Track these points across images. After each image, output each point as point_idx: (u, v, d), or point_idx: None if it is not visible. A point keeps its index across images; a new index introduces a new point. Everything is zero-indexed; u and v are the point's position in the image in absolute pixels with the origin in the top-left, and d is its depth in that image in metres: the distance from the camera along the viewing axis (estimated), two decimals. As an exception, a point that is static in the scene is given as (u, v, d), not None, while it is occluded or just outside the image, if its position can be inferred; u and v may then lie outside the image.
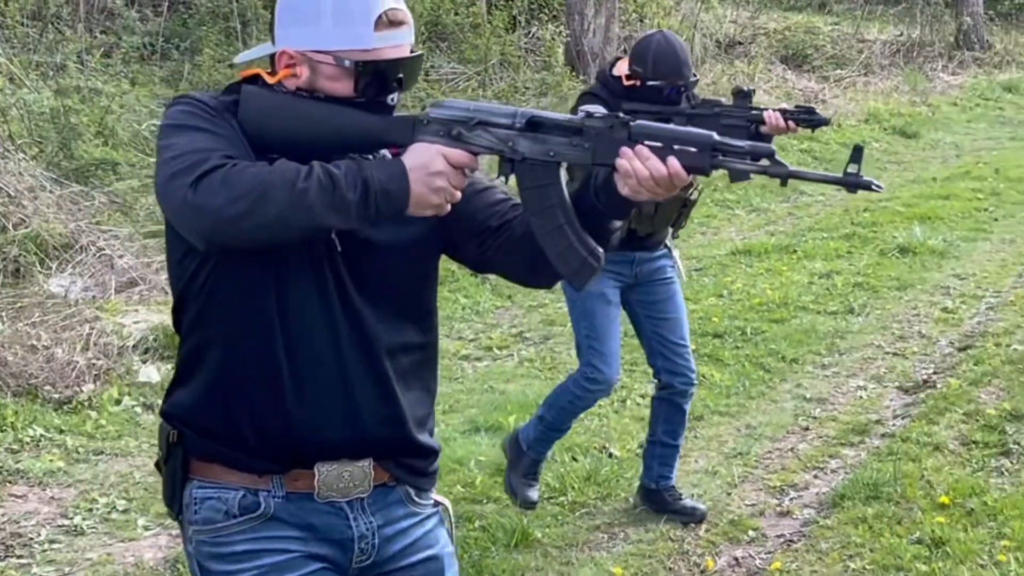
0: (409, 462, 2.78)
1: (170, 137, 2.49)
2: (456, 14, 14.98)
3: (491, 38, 14.00)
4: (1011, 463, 6.04)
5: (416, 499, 2.81)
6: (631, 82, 5.06)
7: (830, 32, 19.34)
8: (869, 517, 5.45)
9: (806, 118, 5.18)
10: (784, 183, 2.54)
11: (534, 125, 2.58)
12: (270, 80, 2.64)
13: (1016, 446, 6.22)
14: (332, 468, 2.67)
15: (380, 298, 2.67)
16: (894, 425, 6.61)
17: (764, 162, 2.51)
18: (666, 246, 5.38)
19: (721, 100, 5.27)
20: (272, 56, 2.66)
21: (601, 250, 2.62)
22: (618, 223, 2.66)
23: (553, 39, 13.93)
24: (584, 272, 2.62)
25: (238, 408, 2.63)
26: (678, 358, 5.38)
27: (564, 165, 2.60)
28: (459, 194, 2.56)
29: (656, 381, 5.49)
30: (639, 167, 2.49)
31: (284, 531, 2.66)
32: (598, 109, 4.75)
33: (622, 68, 5.15)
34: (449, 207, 2.55)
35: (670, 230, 5.35)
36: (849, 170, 2.49)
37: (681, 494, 5.55)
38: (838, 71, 17.67)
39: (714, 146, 2.51)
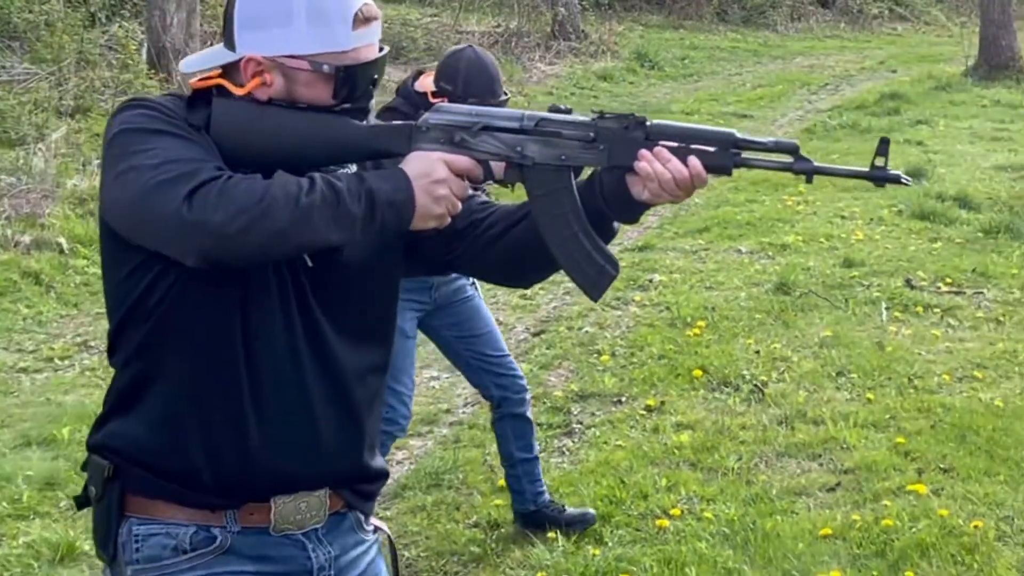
0: (363, 488, 2.68)
1: (142, 143, 2.31)
2: (29, 12, 14.49)
3: (65, 36, 13.60)
4: (573, 442, 6.38)
5: (364, 525, 2.72)
6: (438, 99, 4.80)
7: (427, 24, 19.75)
8: (428, 505, 5.65)
9: None
10: (809, 179, 2.50)
11: (544, 128, 2.51)
12: (238, 92, 2.46)
13: (579, 425, 6.57)
14: (289, 500, 2.55)
15: (346, 318, 2.55)
16: (463, 413, 6.86)
17: (787, 159, 2.49)
18: None
19: None
20: (228, 63, 2.47)
21: (617, 257, 2.57)
22: (619, 226, 2.62)
23: (127, 36, 13.66)
24: (601, 282, 2.55)
25: (193, 444, 2.46)
26: (504, 369, 5.30)
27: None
28: (460, 205, 2.47)
29: (489, 402, 5.40)
30: (660, 169, 2.44)
31: (240, 565, 2.52)
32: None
33: (426, 83, 5.00)
34: (450, 219, 2.47)
35: None
36: (876, 163, 2.47)
37: (563, 506, 5.45)
38: (436, 63, 18.03)
39: (735, 143, 2.47)
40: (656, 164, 2.44)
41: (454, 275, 5.08)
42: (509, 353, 5.37)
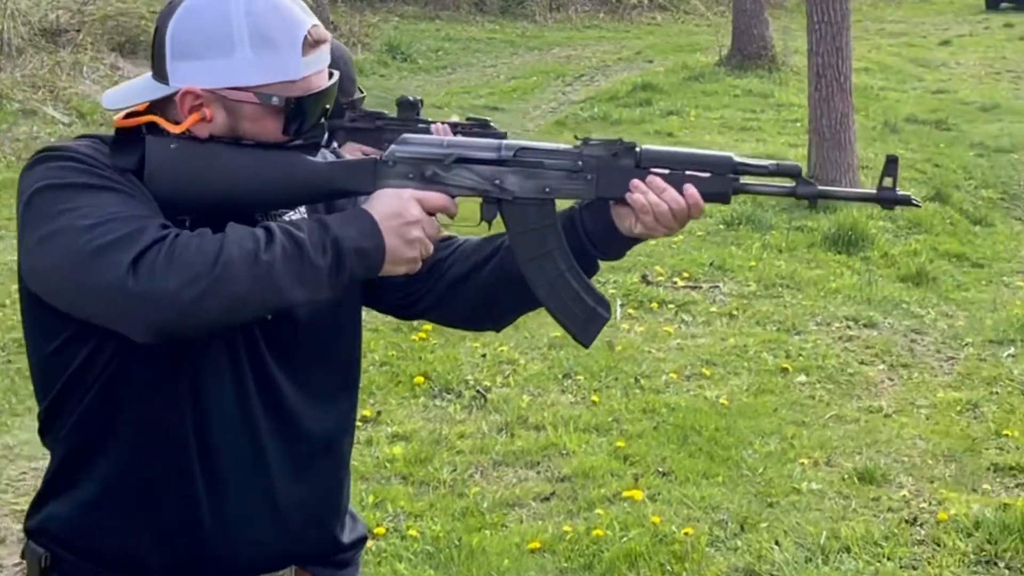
0: (337, 558, 2.48)
1: (69, 201, 2.04)
2: None
3: None
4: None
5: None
6: None
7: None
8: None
9: (479, 132, 4.83)
10: (813, 204, 2.40)
11: (523, 157, 2.31)
12: (174, 129, 2.19)
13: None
14: None
15: (308, 376, 2.34)
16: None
17: (789, 183, 2.35)
18: None
19: (383, 112, 4.80)
20: (160, 97, 2.22)
21: (607, 297, 2.40)
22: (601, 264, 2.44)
23: None
24: (593, 326, 2.39)
25: (139, 526, 2.25)
26: None
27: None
28: (432, 247, 2.26)
29: None
30: (655, 200, 2.28)
31: None
32: None
33: None
34: (421, 264, 2.25)
35: None
36: (884, 184, 2.34)
37: None
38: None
39: (733, 167, 2.32)
40: (651, 195, 2.29)
41: None
42: None
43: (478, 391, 6.81)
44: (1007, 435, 6.40)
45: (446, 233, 2.50)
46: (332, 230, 2.14)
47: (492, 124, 4.85)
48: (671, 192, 2.30)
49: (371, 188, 2.26)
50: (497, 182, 2.32)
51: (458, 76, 19.08)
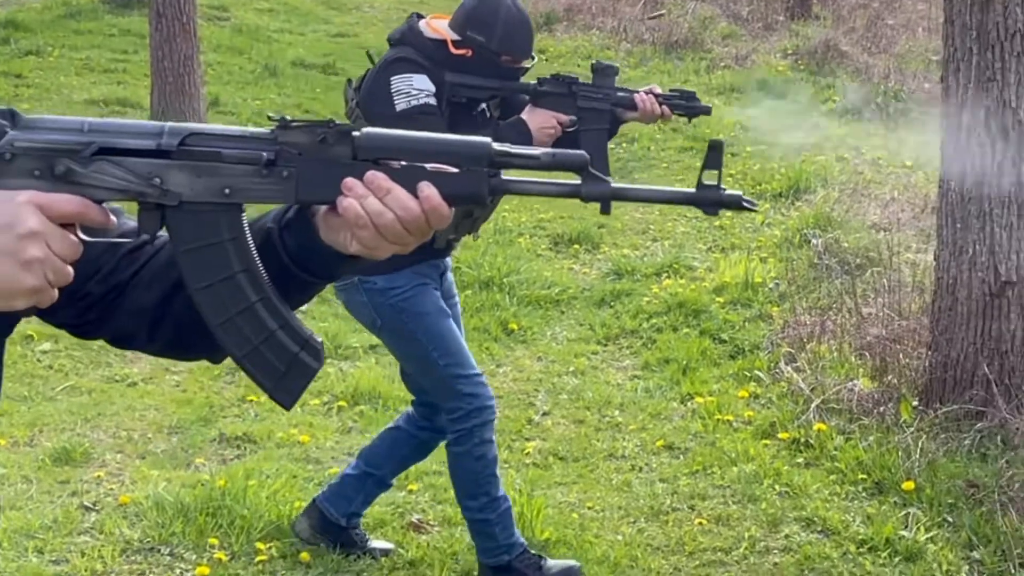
0: None
1: None
2: None
3: None
4: None
5: None
6: (461, 51, 4.22)
7: None
8: None
9: (684, 104, 4.45)
10: (606, 208, 1.78)
11: (193, 147, 1.72)
12: None
13: None
14: None
15: None
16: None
17: (572, 179, 1.76)
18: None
19: (577, 77, 4.29)
20: None
21: (319, 338, 1.81)
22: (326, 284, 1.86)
23: None
24: (293, 378, 1.78)
25: None
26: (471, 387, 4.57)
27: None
28: (70, 270, 1.65)
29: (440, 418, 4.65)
30: (376, 207, 1.69)
31: None
32: (425, 85, 4.07)
33: (441, 29, 4.27)
34: (56, 292, 1.65)
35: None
36: (705, 181, 1.76)
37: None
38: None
39: (491, 159, 1.72)
40: (370, 200, 1.70)
41: (450, 261, 4.59)
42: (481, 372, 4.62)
43: None
44: (252, 400, 6.15)
45: (129, 240, 1.88)
46: None
47: (697, 96, 4.52)
48: (398, 194, 1.72)
49: None
50: (157, 181, 1.73)
51: None
